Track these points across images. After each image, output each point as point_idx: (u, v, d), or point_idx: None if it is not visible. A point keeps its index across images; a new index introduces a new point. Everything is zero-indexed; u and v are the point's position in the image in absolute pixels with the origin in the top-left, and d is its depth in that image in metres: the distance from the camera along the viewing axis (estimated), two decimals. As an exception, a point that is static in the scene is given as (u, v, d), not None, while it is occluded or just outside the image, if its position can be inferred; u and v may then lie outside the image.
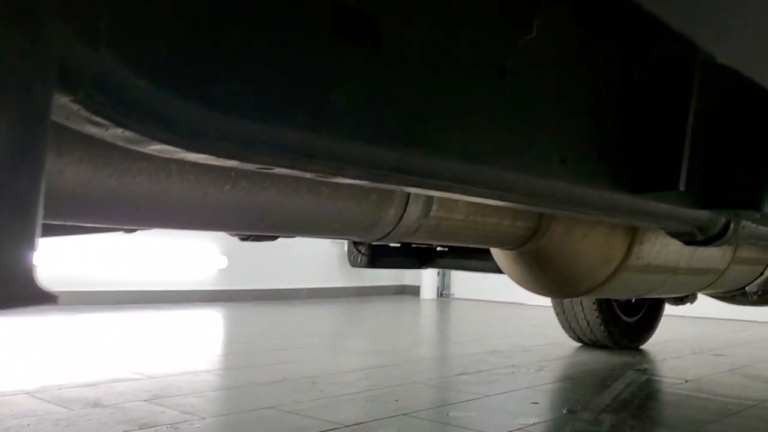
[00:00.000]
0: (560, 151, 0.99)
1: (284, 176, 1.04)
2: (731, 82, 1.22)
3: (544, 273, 1.67)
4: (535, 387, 2.82)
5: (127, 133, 0.55)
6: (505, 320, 5.69)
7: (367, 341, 4.41)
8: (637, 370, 3.33)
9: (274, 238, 2.95)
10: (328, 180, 0.80)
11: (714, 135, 1.26)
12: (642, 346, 4.22)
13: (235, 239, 1.97)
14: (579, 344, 4.18)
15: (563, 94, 1.00)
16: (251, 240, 2.96)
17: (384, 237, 1.29)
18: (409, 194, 1.24)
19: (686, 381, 3.01)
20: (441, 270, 11.84)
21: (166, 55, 0.54)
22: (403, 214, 1.24)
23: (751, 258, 2.31)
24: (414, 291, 8.93)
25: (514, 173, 0.91)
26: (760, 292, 2.57)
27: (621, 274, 1.69)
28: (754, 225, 1.60)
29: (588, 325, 4.19)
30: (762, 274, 2.46)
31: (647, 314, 4.73)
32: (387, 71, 0.73)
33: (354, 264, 3.95)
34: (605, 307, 4.50)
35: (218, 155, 0.62)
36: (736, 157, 1.29)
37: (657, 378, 3.17)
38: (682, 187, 1.06)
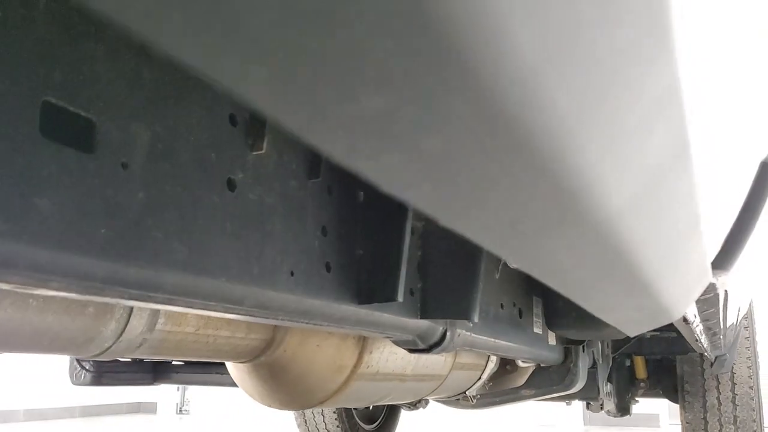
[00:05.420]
0: (289, 264, 1.00)
1: (-18, 286, 0.92)
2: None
3: (279, 385, 1.65)
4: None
5: None
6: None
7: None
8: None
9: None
10: (34, 292, 0.72)
11: (430, 252, 1.38)
12: (378, 454, 4.31)
13: None
14: (318, 456, 4.16)
15: (292, 210, 1.02)
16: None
17: (103, 353, 1.18)
18: (132, 307, 1.16)
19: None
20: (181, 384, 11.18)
21: None
22: (124, 329, 1.15)
23: (469, 364, 2.50)
24: (150, 408, 8.30)
25: (241, 285, 0.90)
26: (479, 396, 2.78)
27: (352, 383, 1.72)
28: (469, 333, 1.74)
29: (329, 435, 4.19)
30: (479, 378, 2.68)
31: (385, 422, 4.86)
32: (103, 178, 0.69)
33: (76, 382, 3.55)
34: (345, 416, 4.54)
35: None
36: (449, 272, 1.41)
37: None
38: (400, 299, 1.12)
